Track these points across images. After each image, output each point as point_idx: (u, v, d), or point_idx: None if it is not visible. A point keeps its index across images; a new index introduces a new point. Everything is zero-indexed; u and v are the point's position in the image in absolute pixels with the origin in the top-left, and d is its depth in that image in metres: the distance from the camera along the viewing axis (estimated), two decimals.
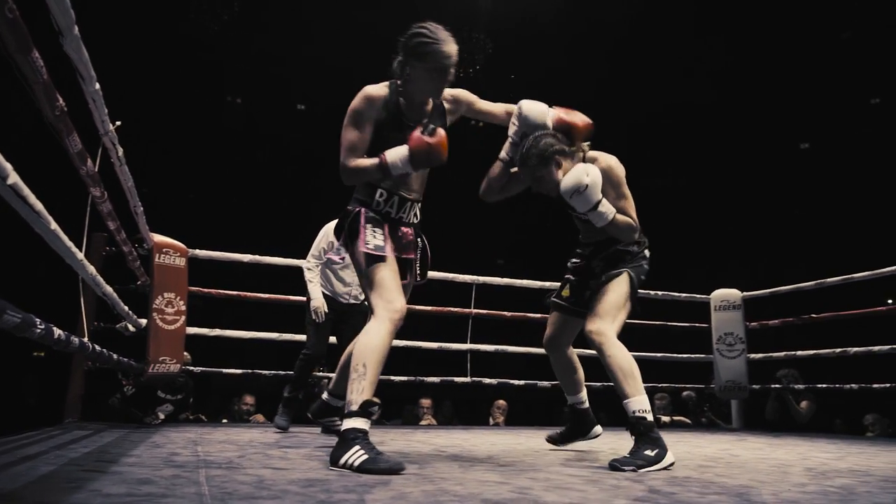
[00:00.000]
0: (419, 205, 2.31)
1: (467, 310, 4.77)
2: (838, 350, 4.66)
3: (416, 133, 2.04)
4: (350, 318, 3.82)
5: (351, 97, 2.18)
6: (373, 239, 2.11)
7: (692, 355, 5.45)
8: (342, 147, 2.12)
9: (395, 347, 4.91)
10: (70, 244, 1.92)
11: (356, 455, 1.80)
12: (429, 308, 4.77)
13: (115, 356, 2.92)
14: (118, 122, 2.21)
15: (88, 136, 2.14)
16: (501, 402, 5.78)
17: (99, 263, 3.63)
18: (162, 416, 3.98)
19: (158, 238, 3.70)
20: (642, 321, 5.13)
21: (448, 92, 2.27)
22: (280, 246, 5.28)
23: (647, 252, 2.52)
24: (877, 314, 4.70)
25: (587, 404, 2.78)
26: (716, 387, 5.20)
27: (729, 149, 11.27)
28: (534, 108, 2.34)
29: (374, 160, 2.08)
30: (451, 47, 2.10)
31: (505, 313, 5.11)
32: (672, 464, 2.12)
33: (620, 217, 2.31)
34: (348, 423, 1.89)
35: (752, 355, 5.15)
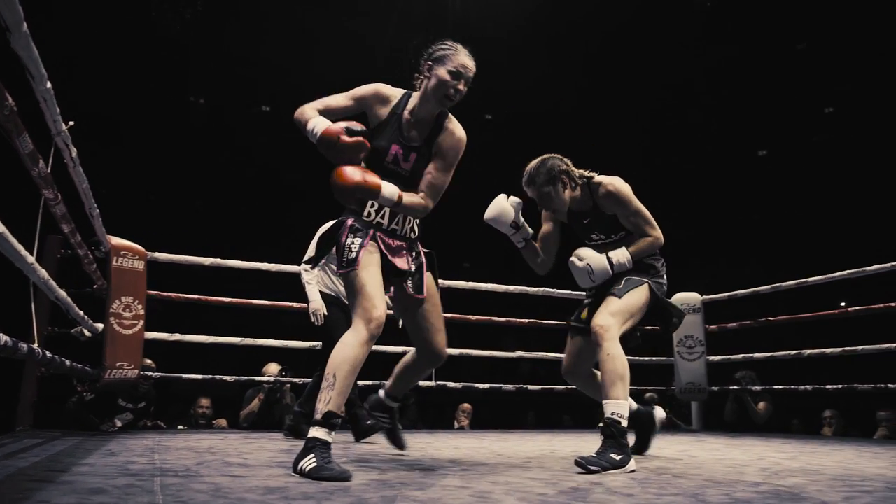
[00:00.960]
0: (416, 220, 2.23)
1: None
2: (793, 352, 4.78)
3: (340, 125, 1.99)
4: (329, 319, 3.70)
5: (316, 98, 2.15)
6: (347, 254, 2.07)
7: (653, 358, 5.54)
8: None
9: None
10: (20, 248, 1.86)
11: (308, 462, 1.83)
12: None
13: (68, 362, 2.85)
14: (71, 122, 2.15)
15: (42, 137, 2.09)
16: (466, 405, 5.79)
17: (53, 267, 3.53)
18: (119, 424, 3.88)
19: (116, 241, 3.63)
20: None
21: (451, 126, 2.21)
22: (243, 249, 5.22)
23: (664, 268, 2.58)
24: (830, 317, 4.84)
25: (634, 404, 2.68)
26: (676, 388, 5.28)
27: (689, 154, 11.50)
28: (495, 212, 2.55)
29: (310, 119, 2.02)
30: (468, 59, 2.17)
31: (470, 317, 5.12)
32: (633, 471, 2.13)
33: (635, 249, 2.47)
34: (311, 432, 1.90)
35: (712, 357, 5.25)
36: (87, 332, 3.58)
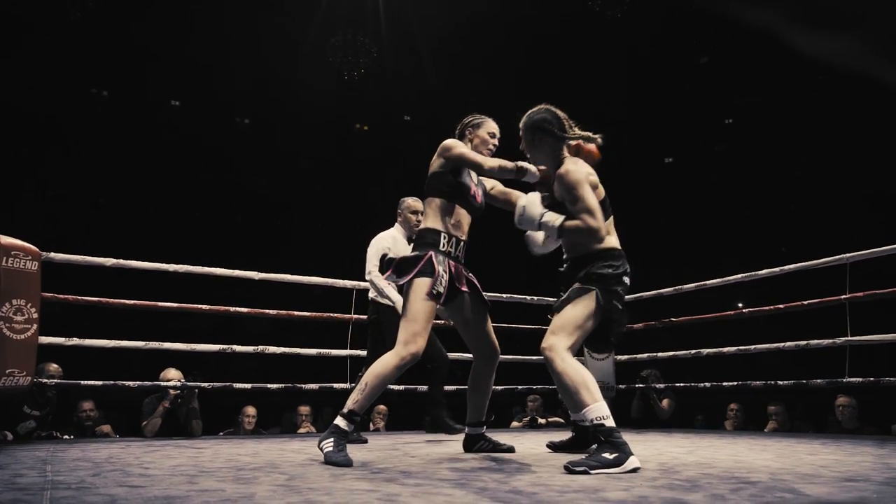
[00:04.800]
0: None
1: (347, 315, 4.72)
2: (693, 351, 5.03)
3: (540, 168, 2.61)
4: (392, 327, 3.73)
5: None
6: (439, 285, 2.50)
7: None
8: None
9: (272, 355, 4.75)
10: None
11: (327, 444, 2.37)
12: (308, 314, 4.69)
13: None
14: None
15: None
16: (381, 407, 5.76)
17: None
18: (10, 437, 3.62)
19: (6, 240, 3.40)
20: (519, 325, 5.30)
21: None
22: (148, 250, 5.00)
23: (626, 279, 2.48)
24: (728, 317, 5.13)
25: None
26: None
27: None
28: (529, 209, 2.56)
29: (519, 164, 2.58)
30: (495, 124, 2.83)
31: None
32: (637, 468, 2.09)
33: (570, 224, 2.38)
34: (336, 420, 2.43)
35: (619, 356, 5.45)
36: None
